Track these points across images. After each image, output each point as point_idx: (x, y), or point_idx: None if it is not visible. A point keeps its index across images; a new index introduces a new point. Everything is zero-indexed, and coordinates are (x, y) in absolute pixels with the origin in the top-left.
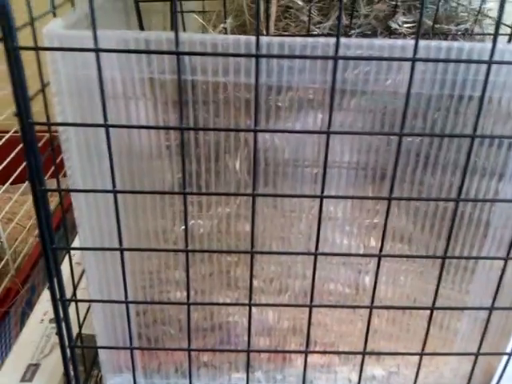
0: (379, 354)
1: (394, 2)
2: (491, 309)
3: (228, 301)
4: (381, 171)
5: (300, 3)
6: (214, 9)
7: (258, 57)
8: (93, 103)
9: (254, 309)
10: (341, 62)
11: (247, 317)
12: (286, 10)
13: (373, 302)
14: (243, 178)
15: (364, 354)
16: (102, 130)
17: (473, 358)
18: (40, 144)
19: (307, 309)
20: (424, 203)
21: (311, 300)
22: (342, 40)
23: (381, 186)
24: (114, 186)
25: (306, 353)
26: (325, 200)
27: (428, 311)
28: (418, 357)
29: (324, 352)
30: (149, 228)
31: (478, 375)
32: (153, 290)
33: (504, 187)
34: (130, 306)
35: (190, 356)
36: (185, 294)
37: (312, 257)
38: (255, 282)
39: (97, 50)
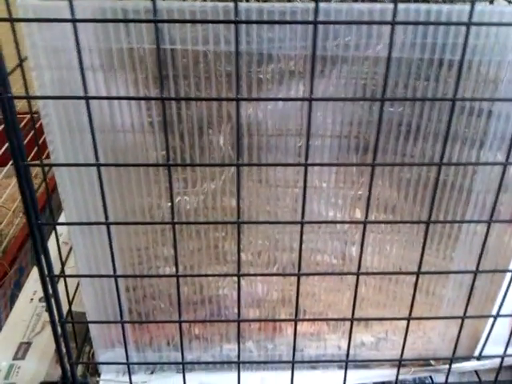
0: (367, 319)
1: None
2: (475, 272)
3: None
4: (364, 142)
5: None
6: None
7: (236, 23)
8: (72, 76)
9: (243, 281)
10: (321, 30)
11: (237, 289)
12: None
13: (359, 268)
14: (227, 153)
15: (352, 320)
16: (83, 103)
17: (459, 322)
18: (21, 125)
19: (295, 280)
20: (407, 172)
21: (299, 269)
22: (322, 5)
23: (364, 157)
24: (96, 159)
25: (296, 321)
26: (309, 173)
27: (414, 278)
28: (405, 322)
29: (313, 319)
30: (135, 205)
31: (464, 339)
32: (142, 267)
33: (484, 154)
34: (120, 281)
35: (181, 328)
36: (174, 269)
37: (299, 229)
38: (243, 256)
39: (74, 21)
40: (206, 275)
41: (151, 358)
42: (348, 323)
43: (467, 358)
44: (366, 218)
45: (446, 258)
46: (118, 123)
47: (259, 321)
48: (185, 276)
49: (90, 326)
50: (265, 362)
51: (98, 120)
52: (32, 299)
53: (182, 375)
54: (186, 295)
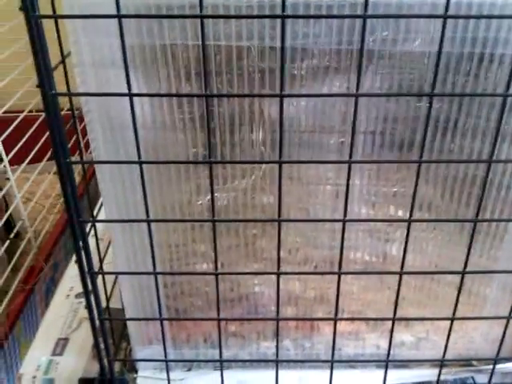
0: (408, 319)
1: None
2: None
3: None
4: (408, 139)
5: None
6: None
7: (284, 18)
8: (114, 73)
9: (280, 279)
10: (357, 25)
11: (273, 287)
12: None
13: (402, 267)
14: (259, 150)
15: (394, 320)
16: (125, 100)
17: (503, 322)
18: None
19: (332, 278)
20: (452, 171)
21: (340, 267)
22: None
23: (399, 154)
24: (139, 156)
25: (335, 320)
26: (345, 170)
27: (455, 277)
28: (447, 322)
29: (353, 319)
30: (172, 202)
31: (508, 340)
32: (179, 263)
33: None
34: (158, 278)
35: (219, 325)
36: (210, 265)
37: (335, 227)
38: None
39: (119, 16)
40: (245, 273)
41: (188, 355)
42: (387, 323)
43: (511, 359)
44: (411, 216)
45: (489, 258)
46: (159, 120)
47: (298, 319)
48: (224, 274)
49: (128, 322)
50: (303, 361)
51: (139, 117)
52: (68, 295)
53: (219, 372)
54: (223, 292)
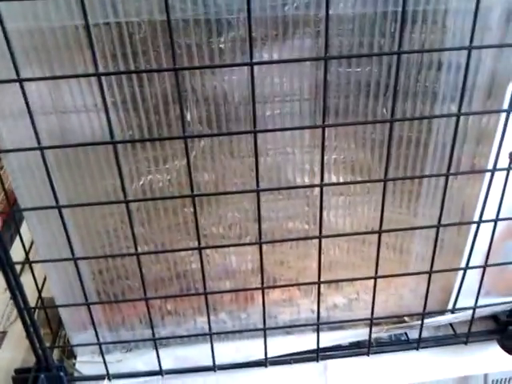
0: (333, 281)
1: None
2: (438, 226)
3: (190, 253)
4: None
5: None
6: None
7: None
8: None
9: (216, 254)
10: None
11: (205, 262)
12: None
13: (321, 232)
14: (196, 128)
15: (319, 283)
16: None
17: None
18: None
19: (268, 250)
20: (372, 133)
21: (260, 238)
22: None
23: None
24: (38, 142)
25: (263, 289)
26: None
27: (385, 238)
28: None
29: (280, 286)
30: (107, 185)
31: (437, 293)
32: (111, 249)
33: (438, 107)
34: (86, 265)
35: (147, 304)
36: (144, 248)
37: (269, 198)
38: (215, 229)
39: None
40: (167, 251)
41: (125, 337)
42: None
43: (441, 313)
44: (322, 180)
45: (412, 214)
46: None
47: (225, 292)
48: (144, 254)
49: (60, 310)
50: (235, 332)
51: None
52: (6, 289)
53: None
54: (159, 272)
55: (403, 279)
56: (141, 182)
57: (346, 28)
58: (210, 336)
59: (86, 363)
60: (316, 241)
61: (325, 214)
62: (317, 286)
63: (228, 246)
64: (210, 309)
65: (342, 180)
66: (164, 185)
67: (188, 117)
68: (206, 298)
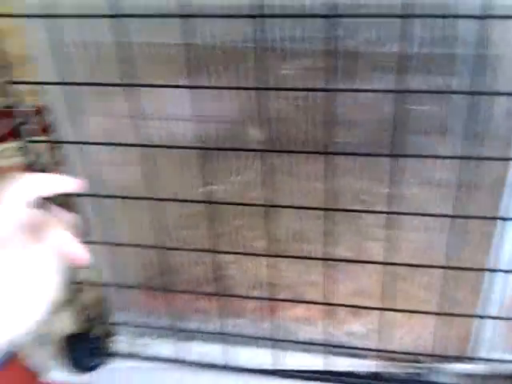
0: (336, 305)
1: None
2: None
3: (232, 260)
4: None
5: None
6: None
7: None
8: None
9: (249, 263)
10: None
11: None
12: None
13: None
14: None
15: (320, 304)
16: None
17: (451, 321)
18: None
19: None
20: None
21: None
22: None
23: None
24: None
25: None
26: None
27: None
28: (397, 315)
29: (289, 300)
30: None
31: (455, 340)
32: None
33: None
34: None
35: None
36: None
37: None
38: (265, 244)
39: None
40: (199, 250)
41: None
42: (340, 312)
43: (458, 359)
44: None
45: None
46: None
47: (233, 296)
48: (173, 249)
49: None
50: (251, 338)
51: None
52: None
53: (179, 343)
54: (200, 273)
55: (424, 319)
56: (200, 190)
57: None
58: (226, 337)
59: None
60: (347, 267)
61: (373, 243)
62: (337, 309)
63: (230, 253)
64: (233, 313)
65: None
66: (222, 196)
67: (258, 135)
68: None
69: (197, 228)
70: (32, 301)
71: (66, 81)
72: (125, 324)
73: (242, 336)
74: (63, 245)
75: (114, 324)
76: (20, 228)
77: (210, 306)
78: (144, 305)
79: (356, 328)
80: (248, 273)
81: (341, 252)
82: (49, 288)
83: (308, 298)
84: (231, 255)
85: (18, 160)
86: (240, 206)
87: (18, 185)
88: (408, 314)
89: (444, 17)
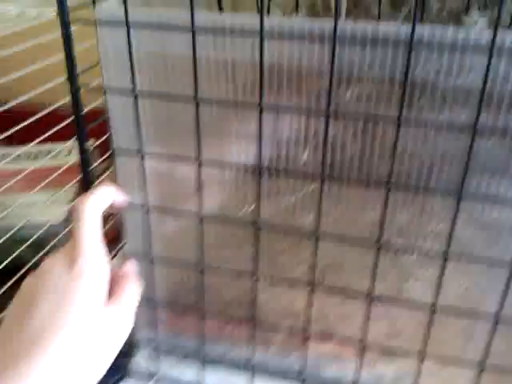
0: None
1: None
2: None
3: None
4: None
5: None
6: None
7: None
8: None
9: (283, 293)
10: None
11: (274, 299)
12: (356, 2)
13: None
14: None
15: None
16: None
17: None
18: None
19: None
20: None
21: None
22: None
23: None
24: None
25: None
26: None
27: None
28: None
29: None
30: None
31: None
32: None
33: None
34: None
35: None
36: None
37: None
38: (296, 271)
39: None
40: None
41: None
42: (372, 353)
43: None
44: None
45: None
46: None
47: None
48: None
49: None
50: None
51: None
52: None
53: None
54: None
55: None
56: (250, 209)
57: None
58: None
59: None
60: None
61: (414, 283)
62: (370, 348)
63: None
64: (259, 341)
65: None
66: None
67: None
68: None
69: (238, 248)
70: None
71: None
72: (149, 342)
73: (269, 367)
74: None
75: (136, 341)
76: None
77: (239, 332)
78: (170, 324)
79: (387, 371)
80: (282, 301)
81: (381, 289)
82: (116, 350)
83: (341, 333)
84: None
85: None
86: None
87: (96, 200)
88: (443, 363)
89: None
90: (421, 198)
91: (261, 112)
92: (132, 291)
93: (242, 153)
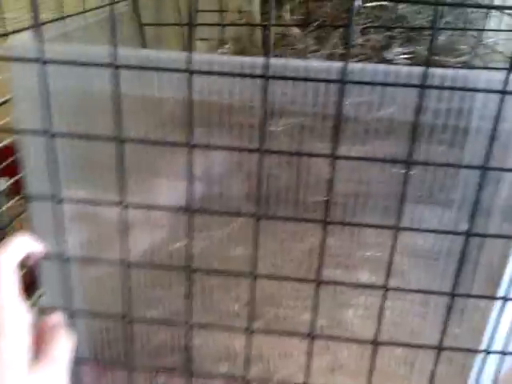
0: None
1: (390, 33)
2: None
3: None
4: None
5: (296, 31)
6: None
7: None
8: None
9: (220, 334)
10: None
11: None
12: (282, 37)
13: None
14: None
15: None
16: None
17: None
18: None
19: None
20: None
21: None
22: (352, 65)
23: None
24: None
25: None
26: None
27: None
28: None
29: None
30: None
31: None
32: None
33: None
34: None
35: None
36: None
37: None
38: (231, 307)
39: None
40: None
41: None
42: None
43: None
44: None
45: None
46: None
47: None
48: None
49: None
50: None
51: None
52: None
53: None
54: (160, 342)
55: None
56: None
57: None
58: None
59: None
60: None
61: (347, 311)
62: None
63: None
64: None
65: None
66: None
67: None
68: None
69: (168, 288)
70: None
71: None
72: None
73: None
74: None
75: None
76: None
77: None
78: (97, 381)
79: None
80: (214, 342)
81: (320, 321)
82: None
83: (281, 372)
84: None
85: None
86: (215, 263)
87: (9, 254)
88: None
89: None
90: (356, 229)
91: (191, 150)
92: (63, 347)
93: (170, 192)
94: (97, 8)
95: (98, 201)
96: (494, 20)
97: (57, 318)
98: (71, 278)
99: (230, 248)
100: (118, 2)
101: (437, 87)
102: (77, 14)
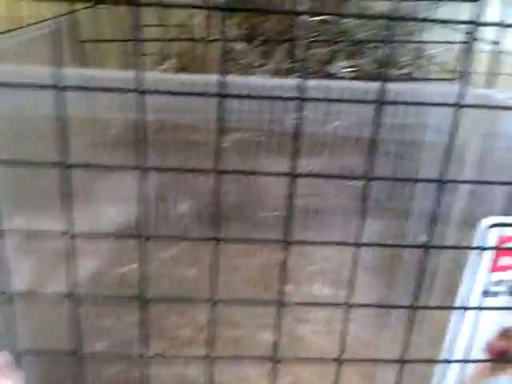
0: None
1: (334, 47)
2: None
3: (152, 352)
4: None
5: (239, 47)
6: (154, 51)
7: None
8: None
9: (177, 361)
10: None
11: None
12: (227, 52)
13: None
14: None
15: None
16: None
17: None
18: None
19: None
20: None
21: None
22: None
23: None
24: None
25: None
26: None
27: (365, 368)
28: None
29: None
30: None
31: None
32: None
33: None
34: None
35: None
36: (104, 343)
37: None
38: (184, 332)
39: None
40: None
41: None
42: None
43: None
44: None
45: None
46: None
47: None
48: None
49: None
50: None
51: None
52: None
53: None
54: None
55: None
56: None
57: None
58: None
59: None
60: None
61: (303, 327)
62: None
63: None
64: None
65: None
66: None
67: (182, 211)
68: None
69: (116, 317)
70: None
71: None
72: None
73: None
74: None
75: None
76: None
77: None
78: None
79: None
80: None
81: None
82: None
83: None
84: (156, 346)
85: None
86: (165, 285)
87: None
88: None
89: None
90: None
91: (142, 173)
92: None
93: (116, 216)
94: (35, 23)
95: (41, 232)
96: (433, 32)
97: (3, 357)
98: (15, 315)
99: (179, 269)
100: (56, 17)
101: (394, 102)
102: (8, 31)
